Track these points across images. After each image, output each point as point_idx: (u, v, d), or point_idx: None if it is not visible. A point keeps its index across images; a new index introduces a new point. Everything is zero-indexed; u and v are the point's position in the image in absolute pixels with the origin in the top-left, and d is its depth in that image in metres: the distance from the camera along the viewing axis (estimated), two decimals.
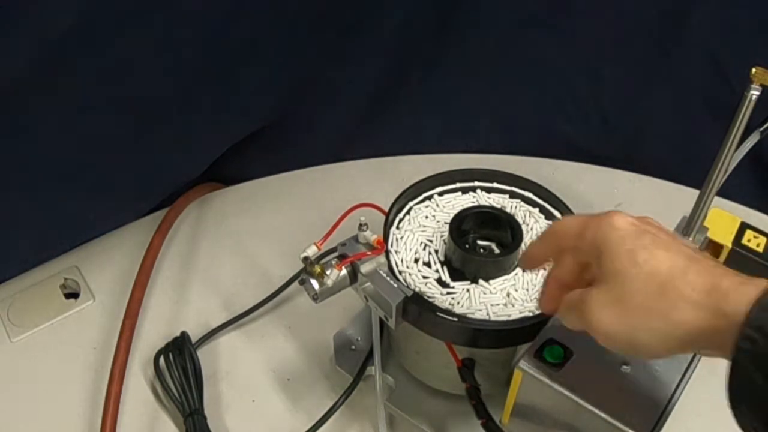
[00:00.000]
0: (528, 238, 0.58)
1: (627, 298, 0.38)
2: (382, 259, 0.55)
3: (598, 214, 0.41)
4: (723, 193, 0.60)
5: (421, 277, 0.56)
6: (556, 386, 0.46)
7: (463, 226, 0.57)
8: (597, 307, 0.39)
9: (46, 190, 0.67)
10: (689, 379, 0.47)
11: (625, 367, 0.47)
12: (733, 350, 0.34)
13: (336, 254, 0.56)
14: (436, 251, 0.58)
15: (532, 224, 0.60)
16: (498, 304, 0.54)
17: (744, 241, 0.75)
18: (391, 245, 0.58)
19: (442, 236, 0.59)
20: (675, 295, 0.36)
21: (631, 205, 0.87)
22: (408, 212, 0.61)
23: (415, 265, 0.57)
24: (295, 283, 0.74)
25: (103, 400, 0.63)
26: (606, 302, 0.39)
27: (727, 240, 0.74)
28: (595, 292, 0.39)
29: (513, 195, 0.63)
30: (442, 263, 0.57)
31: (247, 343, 0.72)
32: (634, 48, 0.86)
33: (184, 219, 0.84)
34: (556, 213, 0.61)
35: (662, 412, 0.45)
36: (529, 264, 0.48)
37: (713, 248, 0.75)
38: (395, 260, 0.57)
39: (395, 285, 0.53)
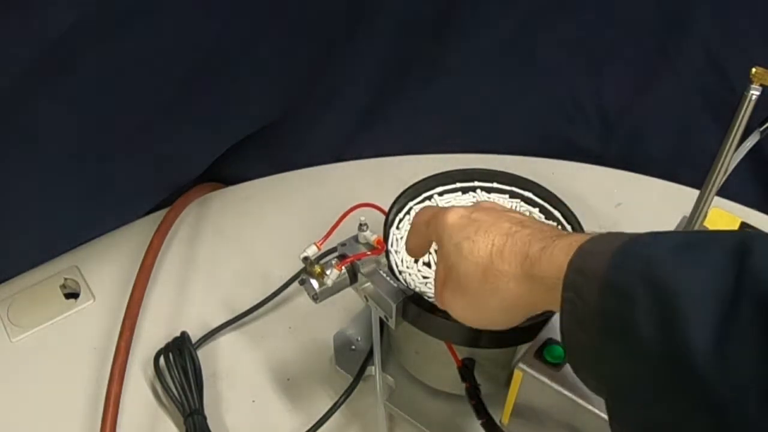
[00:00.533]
0: None
1: (464, 287, 0.43)
2: (382, 259, 0.55)
3: (439, 209, 0.46)
4: (723, 193, 0.61)
5: (421, 277, 0.56)
6: (556, 386, 0.46)
7: None
8: (448, 299, 0.45)
9: (46, 190, 0.67)
10: None
11: None
12: (561, 316, 0.37)
13: (336, 254, 0.56)
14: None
15: None
16: None
17: None
18: (391, 245, 0.58)
19: None
20: (495, 274, 0.41)
21: (631, 205, 0.87)
22: (408, 212, 0.61)
23: (415, 265, 0.57)
24: (295, 283, 0.74)
25: (103, 400, 0.63)
26: (453, 293, 0.44)
27: None
28: (445, 287, 0.45)
29: (513, 195, 0.63)
30: None
31: (247, 343, 0.72)
32: (634, 48, 0.86)
33: (184, 219, 0.84)
34: (556, 213, 0.61)
35: None
36: (412, 254, 0.53)
37: None
38: (395, 260, 0.57)
39: (395, 285, 0.53)
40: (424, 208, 0.49)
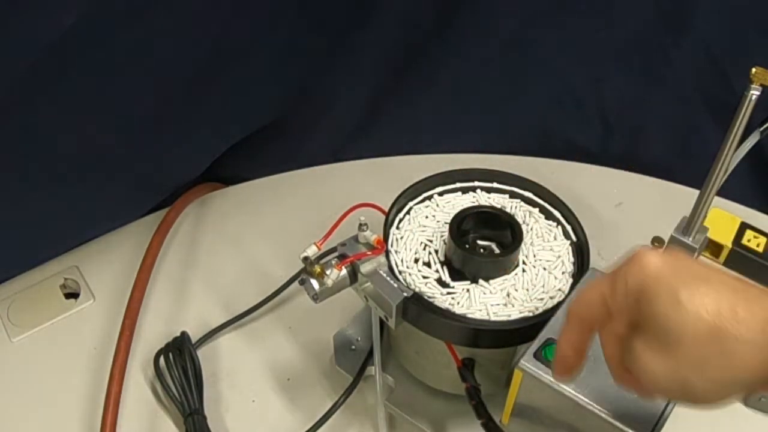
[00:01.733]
0: (528, 238, 0.58)
1: (675, 345, 0.34)
2: (382, 259, 0.55)
3: (622, 265, 0.37)
4: (723, 193, 0.60)
5: (421, 277, 0.56)
6: (556, 386, 0.46)
7: (463, 226, 0.57)
8: (644, 356, 0.36)
9: (46, 190, 0.67)
10: None
11: None
12: None
13: (336, 254, 0.56)
14: (436, 251, 0.58)
15: (532, 224, 0.60)
16: (498, 304, 0.54)
17: (744, 241, 0.75)
18: (391, 245, 0.58)
19: (442, 236, 0.59)
20: (729, 338, 0.33)
21: (631, 205, 0.87)
22: (408, 212, 0.61)
23: (415, 265, 0.57)
24: (295, 283, 0.74)
25: (103, 400, 0.63)
26: (653, 350, 0.35)
27: (727, 240, 0.75)
28: (641, 339, 0.36)
29: (513, 195, 0.63)
30: (442, 263, 0.57)
31: (247, 343, 0.72)
32: (635, 48, 0.86)
33: (184, 219, 0.84)
34: (556, 213, 0.61)
35: (662, 412, 0.45)
36: (567, 371, 0.42)
37: (713, 248, 0.75)
38: (395, 260, 0.57)
39: (395, 285, 0.53)
40: (583, 293, 0.39)
